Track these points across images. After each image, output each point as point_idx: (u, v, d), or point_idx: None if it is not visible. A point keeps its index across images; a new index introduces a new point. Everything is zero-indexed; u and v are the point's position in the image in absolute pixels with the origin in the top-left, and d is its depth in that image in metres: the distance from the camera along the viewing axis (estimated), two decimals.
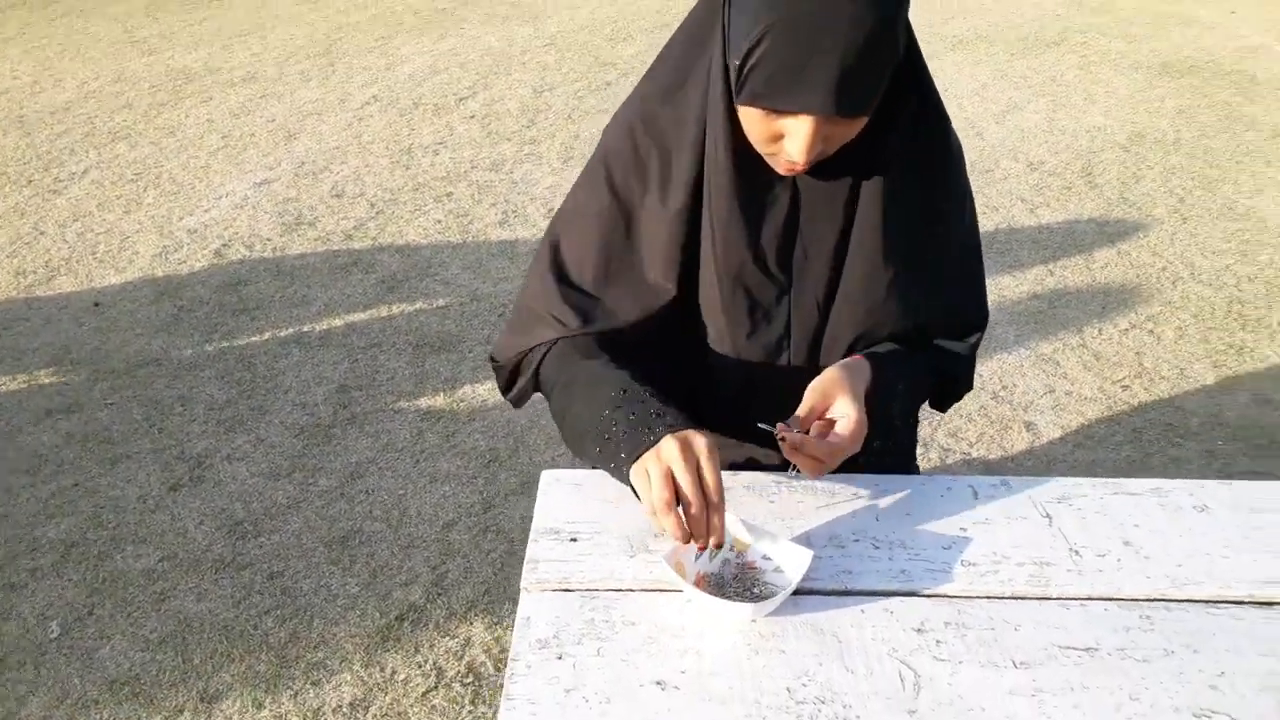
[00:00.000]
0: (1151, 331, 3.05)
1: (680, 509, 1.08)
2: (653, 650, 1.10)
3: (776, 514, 1.29)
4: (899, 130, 1.16)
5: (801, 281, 1.26)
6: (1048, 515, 1.28)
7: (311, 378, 2.95)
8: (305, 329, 3.20)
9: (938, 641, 1.10)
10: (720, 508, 1.08)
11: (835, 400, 1.18)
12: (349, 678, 1.99)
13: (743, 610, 1.11)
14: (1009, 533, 1.25)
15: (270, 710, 1.93)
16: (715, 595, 1.15)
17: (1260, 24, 6.34)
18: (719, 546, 1.11)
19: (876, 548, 1.23)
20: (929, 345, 1.37)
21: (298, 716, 1.92)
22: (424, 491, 2.48)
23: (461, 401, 2.81)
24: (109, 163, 4.49)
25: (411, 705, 1.93)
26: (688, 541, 1.09)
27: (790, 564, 1.17)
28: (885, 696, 1.04)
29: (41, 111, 5.14)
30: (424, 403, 2.81)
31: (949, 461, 2.52)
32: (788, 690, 1.05)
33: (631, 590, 1.18)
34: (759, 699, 1.04)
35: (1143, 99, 4.98)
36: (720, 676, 1.07)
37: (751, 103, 1.04)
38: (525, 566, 1.22)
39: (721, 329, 1.30)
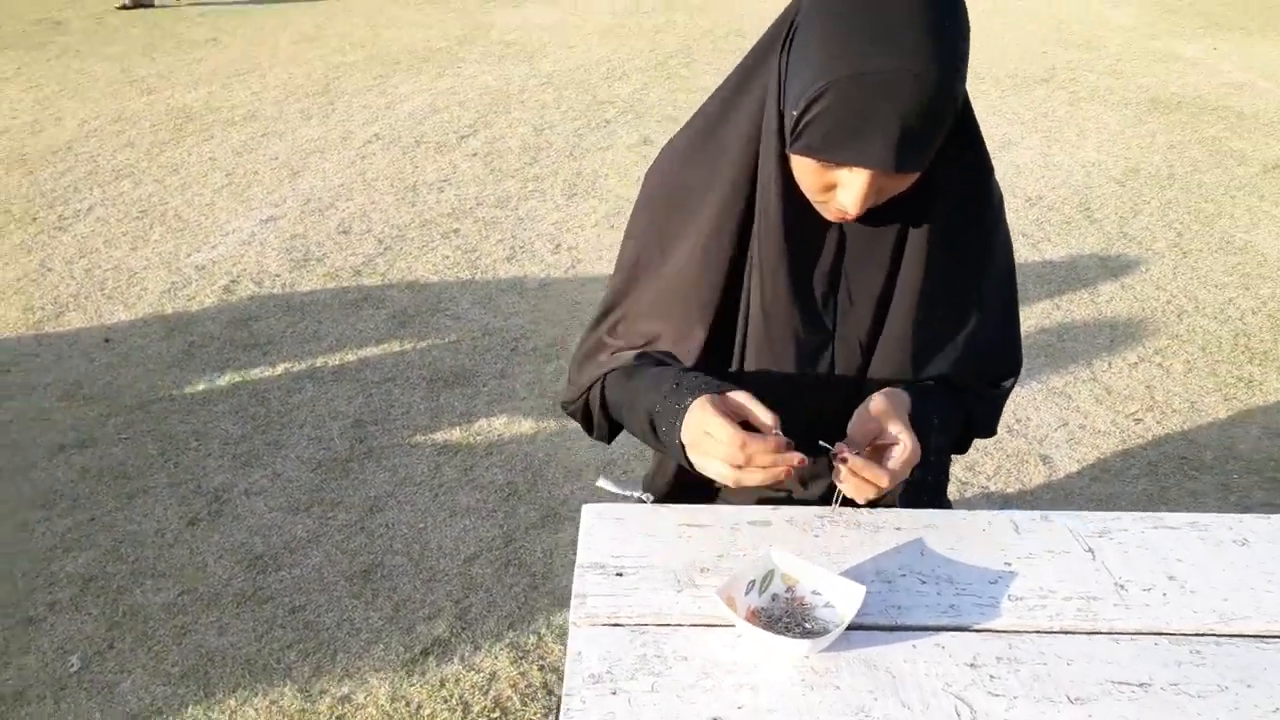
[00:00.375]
0: (1160, 365, 3.09)
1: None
2: (707, 685, 1.11)
3: (821, 548, 1.30)
4: (948, 178, 1.17)
5: (845, 324, 1.27)
6: (1090, 550, 1.30)
7: (326, 412, 2.95)
8: (318, 364, 3.21)
9: (991, 676, 1.11)
10: (782, 440, 1.10)
11: (888, 425, 1.19)
12: (374, 713, 1.99)
13: (798, 647, 1.11)
14: (1053, 567, 1.27)
15: None
16: (767, 630, 1.16)
17: (1242, 60, 6.46)
18: (803, 464, 1.11)
19: (923, 582, 1.24)
20: (963, 388, 1.39)
21: None
22: (444, 525, 2.48)
23: (477, 435, 2.82)
24: (113, 200, 4.51)
25: None
26: (783, 475, 1.11)
27: (841, 599, 1.17)
28: None
29: (43, 150, 5.16)
30: (440, 437, 2.82)
31: (968, 495, 2.53)
32: None
33: (681, 625, 1.19)
34: None
35: (1134, 134, 5.06)
36: (777, 713, 1.07)
37: (806, 153, 1.05)
38: (573, 601, 1.23)
39: (763, 369, 1.31)
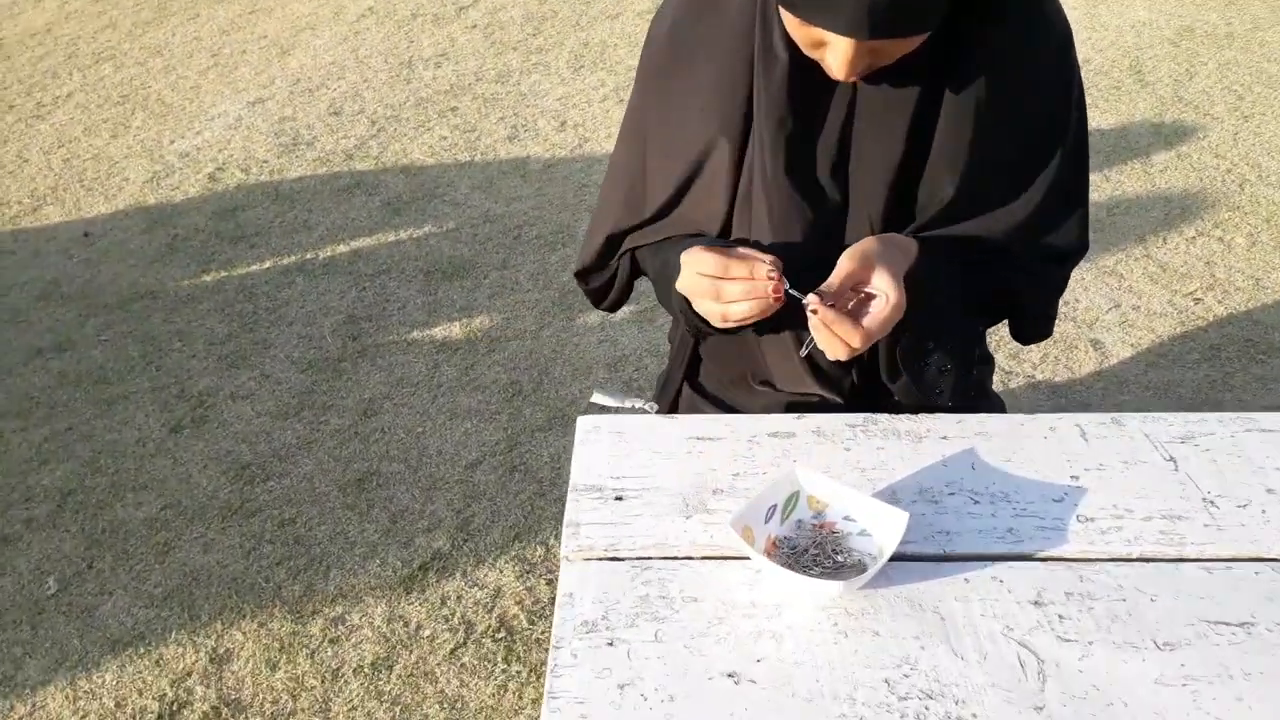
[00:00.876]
0: (1221, 239, 2.83)
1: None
2: (721, 634, 0.93)
3: (854, 463, 1.11)
4: (989, 37, 1.02)
5: (858, 196, 1.11)
6: (1171, 459, 1.10)
7: (317, 308, 2.76)
8: (308, 256, 3.01)
9: (1060, 617, 0.92)
10: (760, 257, 1.01)
11: (873, 273, 1.01)
12: (370, 634, 1.85)
13: (829, 587, 0.93)
14: (1128, 480, 1.07)
15: (285, 672, 1.79)
16: (791, 566, 0.98)
17: None
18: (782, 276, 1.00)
19: (976, 502, 1.05)
20: (1003, 258, 1.17)
21: (315, 678, 1.78)
22: (443, 429, 2.31)
23: (478, 331, 2.62)
24: (94, 85, 4.25)
25: (439, 664, 1.79)
26: (766, 297, 1.00)
27: (879, 526, 0.99)
28: (1005, 689, 0.87)
29: (21, 34, 4.87)
30: (438, 333, 2.63)
31: (1012, 386, 2.33)
32: (886, 683, 0.88)
33: (691, 559, 1.01)
34: (853, 694, 0.87)
35: None
36: (804, 667, 0.90)
37: (785, 7, 0.94)
38: (565, 531, 1.05)
39: (771, 246, 1.12)
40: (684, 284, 1.04)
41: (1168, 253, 2.78)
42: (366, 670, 1.78)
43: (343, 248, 3.04)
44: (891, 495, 1.06)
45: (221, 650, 1.84)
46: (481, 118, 3.76)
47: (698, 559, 1.01)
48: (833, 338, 1.00)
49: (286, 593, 1.94)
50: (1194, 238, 2.84)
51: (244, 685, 1.77)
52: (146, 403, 2.45)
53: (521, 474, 2.18)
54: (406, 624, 1.86)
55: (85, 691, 1.78)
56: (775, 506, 1.02)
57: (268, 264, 2.99)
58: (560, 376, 2.45)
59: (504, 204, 3.20)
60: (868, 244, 1.02)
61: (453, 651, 1.80)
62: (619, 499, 1.09)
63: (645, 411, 1.35)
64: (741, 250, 1.03)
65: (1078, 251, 1.21)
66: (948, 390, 1.20)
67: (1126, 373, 2.35)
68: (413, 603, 1.90)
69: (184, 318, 2.76)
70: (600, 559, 1.02)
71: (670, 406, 1.42)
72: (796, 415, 1.19)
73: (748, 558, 0.99)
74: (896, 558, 0.97)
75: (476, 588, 1.92)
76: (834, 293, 1.00)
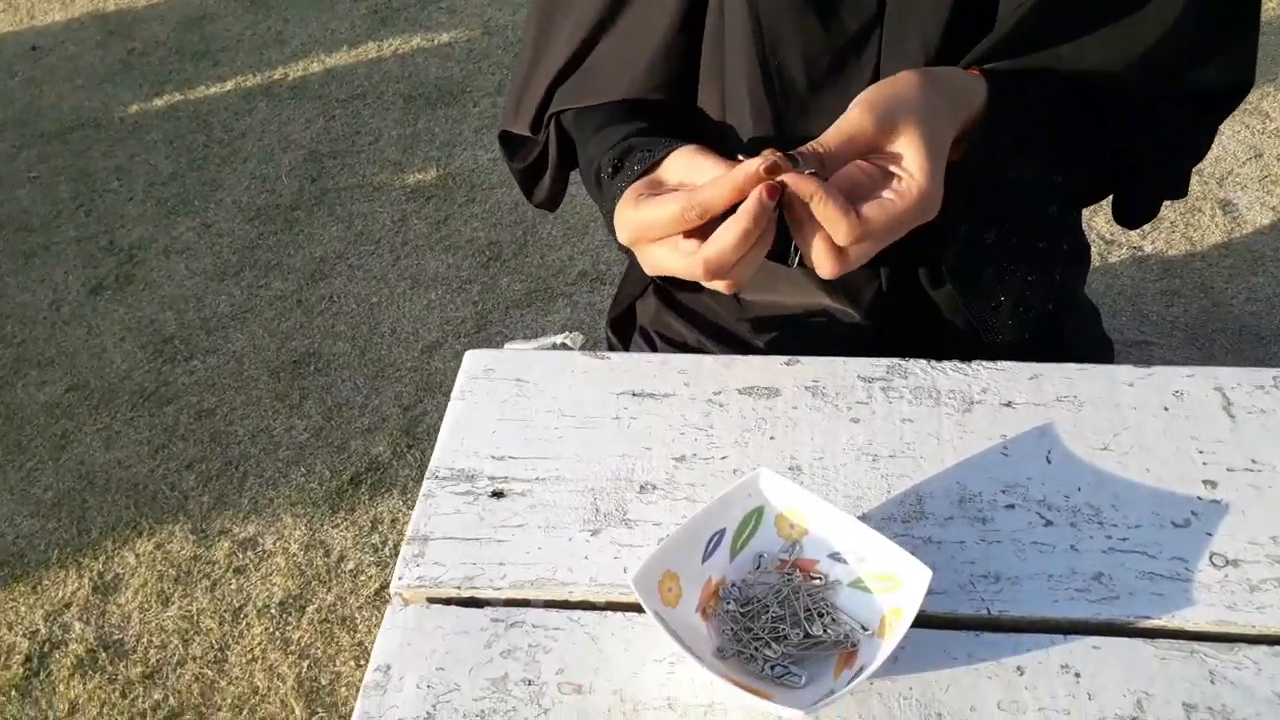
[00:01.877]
0: None
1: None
2: None
3: (861, 446, 0.69)
4: None
5: (901, 6, 0.70)
6: None
7: (277, 141, 2.33)
8: (275, 76, 2.55)
9: None
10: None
11: (897, 137, 0.60)
12: (283, 564, 1.51)
13: (786, 712, 0.53)
14: None
15: (178, 607, 1.47)
16: (733, 642, 0.59)
17: None
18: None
19: (1048, 523, 0.63)
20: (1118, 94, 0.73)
21: (212, 618, 1.46)
22: (403, 300, 1.91)
23: (458, 175, 2.17)
24: None
25: (359, 608, 1.45)
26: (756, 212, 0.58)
27: (880, 577, 0.58)
28: None
29: None
30: (411, 177, 2.19)
31: (1110, 261, 1.82)
32: None
33: (587, 609, 0.61)
34: None
35: None
36: None
37: None
38: (405, 547, 0.66)
39: (755, 85, 0.74)
40: (629, 240, 0.65)
41: None
42: (274, 611, 1.46)
43: (316, 66, 2.57)
44: (917, 505, 0.65)
45: (110, 576, 1.52)
46: None
47: (599, 608, 0.62)
48: (814, 237, 0.58)
49: (193, 505, 1.60)
50: None
51: (129, 623, 1.46)
52: (69, 255, 2.09)
53: None
54: (327, 553, 1.52)
55: None
56: (723, 533, 0.61)
57: (229, 85, 2.54)
58: (549, 237, 2.01)
59: (510, 11, 2.68)
60: (898, 84, 0.61)
61: (377, 593, 1.46)
62: (497, 495, 0.69)
63: (568, 347, 0.92)
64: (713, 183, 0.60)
65: (1236, 91, 0.76)
66: (1026, 320, 0.76)
67: (1264, 246, 1.82)
68: (338, 525, 1.55)
69: (127, 150, 2.36)
70: (448, 600, 0.63)
71: (622, 322, 1.00)
72: (787, 360, 0.76)
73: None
74: (923, 621, 0.57)
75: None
76: (824, 155, 0.58)
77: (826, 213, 0.56)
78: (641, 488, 0.68)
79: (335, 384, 1.77)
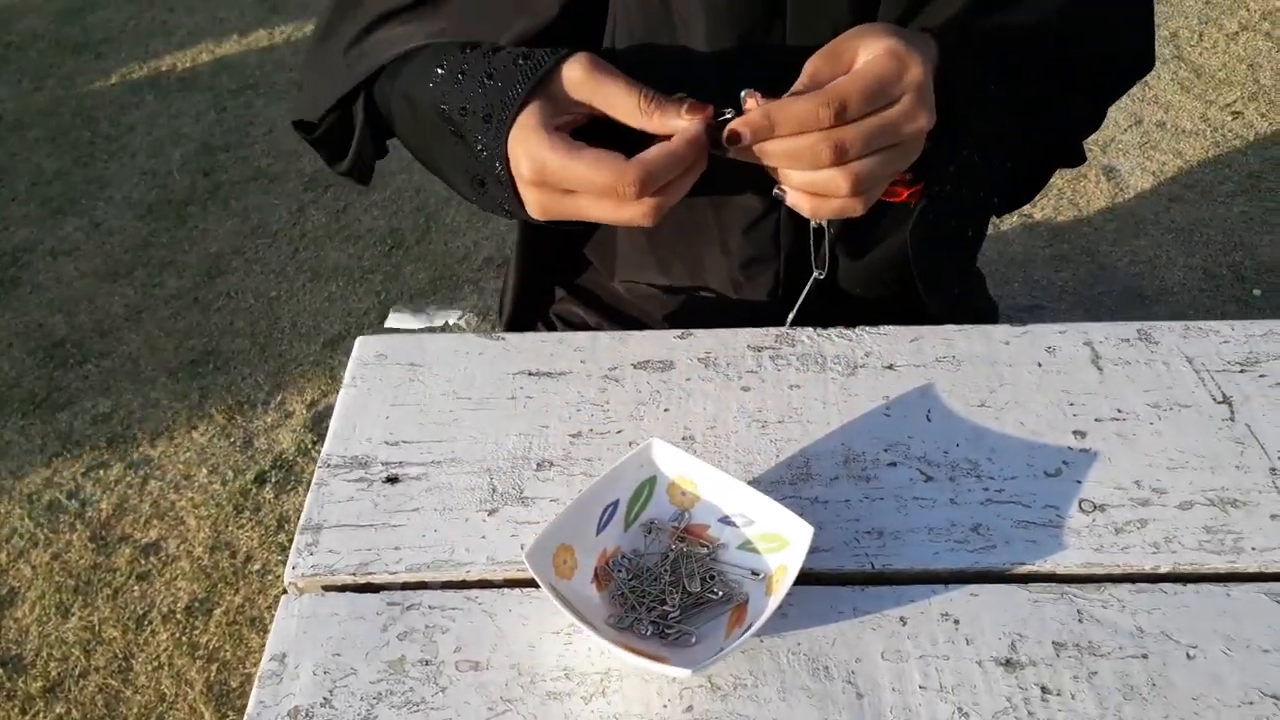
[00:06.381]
0: (1269, 35, 2.30)
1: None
2: None
3: (752, 413, 0.70)
4: None
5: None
6: (1226, 399, 0.68)
7: (166, 135, 2.26)
8: (163, 68, 2.47)
9: (1045, 690, 0.54)
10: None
11: (861, 46, 0.58)
12: (188, 568, 1.48)
13: (675, 670, 0.54)
14: (1161, 438, 0.66)
15: (79, 619, 1.43)
16: (627, 601, 0.60)
17: None
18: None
19: (928, 479, 0.65)
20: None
21: (116, 627, 1.42)
22: (302, 293, 1.87)
23: None
24: None
25: (269, 607, 1.43)
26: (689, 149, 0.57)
27: (767, 538, 0.59)
28: None
29: None
30: (308, 165, 2.15)
31: (1002, 229, 1.88)
32: None
33: (485, 587, 0.61)
34: None
35: None
36: None
37: None
38: (296, 541, 0.65)
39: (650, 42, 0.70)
40: (529, 195, 0.61)
41: (1204, 53, 2.26)
42: (179, 617, 1.42)
43: (205, 56, 2.50)
44: (805, 466, 0.66)
45: (4, 590, 1.47)
46: None
47: (496, 586, 0.62)
48: (806, 178, 0.57)
49: (91, 513, 1.55)
50: (1236, 33, 2.31)
51: (27, 637, 1.42)
52: None
53: None
54: (234, 554, 1.49)
55: None
56: (616, 504, 0.62)
57: (114, 79, 2.46)
58: (453, 223, 1.99)
59: None
60: (858, 33, 0.59)
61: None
62: (392, 480, 0.69)
63: (460, 329, 0.91)
64: (618, 100, 0.58)
65: (1141, 61, 0.79)
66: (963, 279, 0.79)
67: (1145, 209, 1.90)
68: (243, 525, 1.52)
69: (7, 149, 2.27)
70: (343, 587, 0.63)
71: (516, 308, 0.98)
72: (680, 333, 0.76)
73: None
74: (805, 579, 0.58)
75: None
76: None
77: (791, 110, 0.54)
78: (539, 465, 0.68)
79: (235, 382, 1.73)
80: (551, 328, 0.95)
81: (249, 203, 2.07)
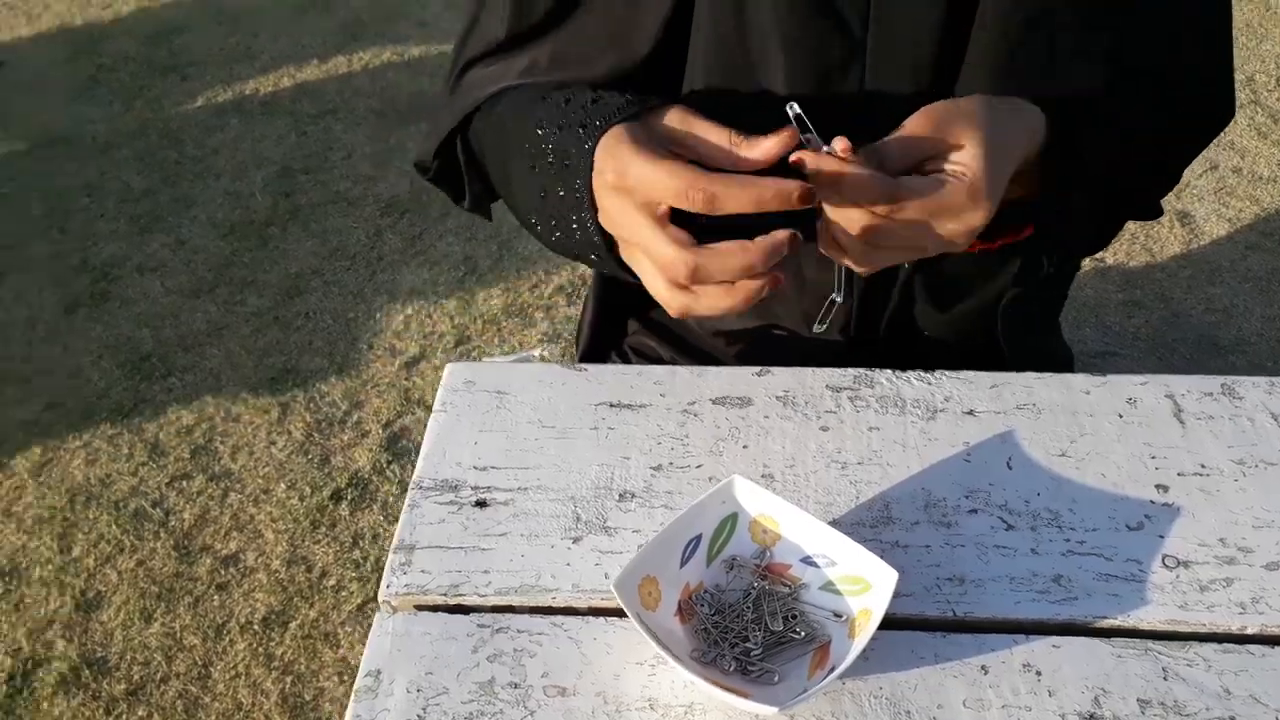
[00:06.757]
0: None
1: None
2: None
3: (830, 454, 0.72)
4: None
5: (883, 27, 0.69)
6: None
7: (249, 157, 2.34)
8: (247, 92, 2.56)
9: None
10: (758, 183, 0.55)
11: (958, 135, 0.59)
12: (265, 580, 1.53)
13: (761, 709, 0.56)
14: (1245, 495, 0.67)
15: (161, 624, 1.48)
16: (709, 640, 0.62)
17: None
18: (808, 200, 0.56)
19: (1009, 527, 0.66)
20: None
21: (195, 635, 1.47)
22: (380, 315, 1.93)
23: (431, 190, 2.17)
24: None
25: (342, 623, 1.47)
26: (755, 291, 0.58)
27: (850, 580, 0.61)
28: None
29: None
30: (385, 190, 2.21)
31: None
32: None
33: (570, 614, 0.64)
34: None
35: None
36: None
37: None
38: (389, 561, 0.68)
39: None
40: (614, 177, 0.59)
41: None
42: (256, 629, 1.47)
43: (287, 81, 2.58)
44: (885, 510, 0.68)
45: (92, 594, 1.53)
46: None
47: (581, 614, 0.64)
48: (848, 226, 0.58)
49: (174, 522, 1.61)
50: None
51: (112, 640, 1.47)
52: (43, 274, 2.09)
53: None
54: (309, 569, 1.54)
55: None
56: (699, 538, 0.64)
57: (199, 101, 2.55)
58: (526, 252, 2.03)
59: None
60: (959, 100, 0.61)
61: (360, 607, 1.48)
62: (480, 505, 0.72)
63: (543, 359, 0.95)
64: (708, 137, 0.59)
65: (1223, 113, 0.80)
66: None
67: (1221, 257, 1.89)
68: (319, 541, 1.57)
69: (98, 167, 2.36)
70: (435, 608, 0.65)
71: (593, 340, 1.01)
72: (758, 371, 0.79)
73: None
74: (889, 624, 0.60)
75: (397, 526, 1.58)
76: (882, 154, 0.59)
77: (855, 179, 0.55)
78: (620, 496, 0.70)
79: (315, 400, 1.78)
80: (625, 359, 0.98)
81: (328, 225, 2.14)
